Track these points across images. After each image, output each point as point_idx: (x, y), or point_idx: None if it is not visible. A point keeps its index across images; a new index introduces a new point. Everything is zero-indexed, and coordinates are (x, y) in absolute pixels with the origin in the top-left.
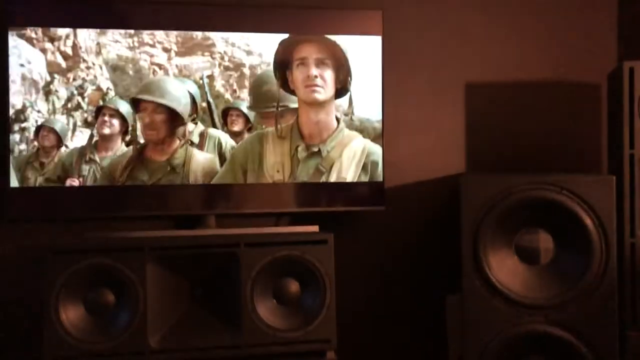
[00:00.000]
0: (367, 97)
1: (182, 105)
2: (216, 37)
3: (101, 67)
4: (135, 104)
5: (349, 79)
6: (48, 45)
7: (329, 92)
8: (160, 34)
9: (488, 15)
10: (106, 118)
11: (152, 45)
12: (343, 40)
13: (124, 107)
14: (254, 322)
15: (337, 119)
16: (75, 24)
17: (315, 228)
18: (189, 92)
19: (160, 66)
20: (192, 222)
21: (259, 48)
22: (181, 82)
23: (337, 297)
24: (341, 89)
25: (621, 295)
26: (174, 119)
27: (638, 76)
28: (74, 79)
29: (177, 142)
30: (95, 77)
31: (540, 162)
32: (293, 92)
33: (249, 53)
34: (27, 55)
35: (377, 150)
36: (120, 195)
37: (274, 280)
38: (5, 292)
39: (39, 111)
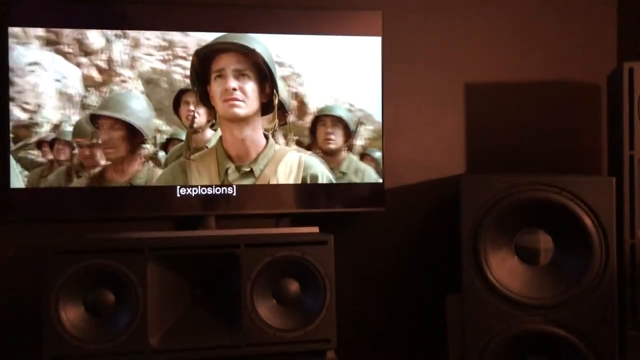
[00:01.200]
0: (366, 98)
1: (143, 121)
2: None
3: (135, 81)
4: (94, 121)
5: (275, 92)
6: (83, 59)
7: (251, 106)
8: (193, 47)
9: (488, 15)
10: (86, 152)
11: (185, 58)
12: (266, 50)
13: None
14: (254, 322)
15: (266, 136)
16: (77, 24)
17: (315, 229)
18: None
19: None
20: (193, 223)
21: (289, 59)
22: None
23: (337, 297)
24: (267, 103)
25: (621, 296)
26: (133, 136)
27: (638, 77)
28: (111, 92)
29: (138, 161)
30: (129, 90)
31: (540, 162)
32: (214, 108)
33: (280, 64)
34: (62, 71)
35: (314, 163)
36: (120, 195)
37: (274, 281)
38: (5, 292)
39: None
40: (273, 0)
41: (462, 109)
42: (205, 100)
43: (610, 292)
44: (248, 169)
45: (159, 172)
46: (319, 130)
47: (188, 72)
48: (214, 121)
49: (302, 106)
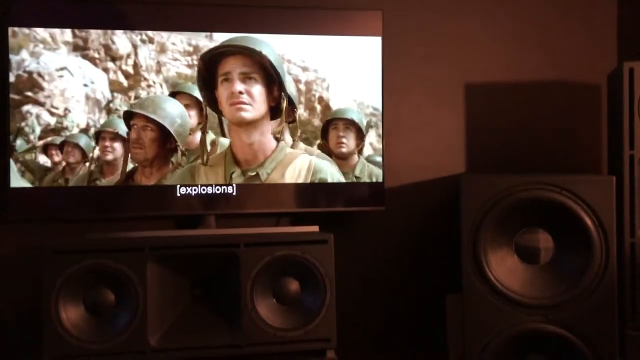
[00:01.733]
0: (366, 97)
1: (175, 126)
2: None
3: (161, 85)
4: (128, 119)
5: (282, 95)
6: (110, 64)
7: (258, 109)
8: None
9: (488, 15)
10: (107, 143)
11: None
12: (273, 53)
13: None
14: (254, 321)
15: (277, 139)
16: (77, 24)
17: (315, 228)
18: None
19: None
20: (193, 222)
21: (314, 64)
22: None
23: (337, 296)
24: (276, 107)
25: (621, 295)
26: (165, 139)
27: (638, 76)
28: (136, 97)
29: (169, 166)
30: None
31: (540, 162)
32: (222, 113)
33: (304, 69)
34: (90, 75)
35: (324, 167)
36: (120, 195)
37: (274, 280)
38: (5, 292)
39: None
40: (271, 1)
41: (462, 109)
42: (213, 105)
43: (610, 292)
44: (254, 173)
45: None
46: (330, 133)
47: None
48: (206, 122)
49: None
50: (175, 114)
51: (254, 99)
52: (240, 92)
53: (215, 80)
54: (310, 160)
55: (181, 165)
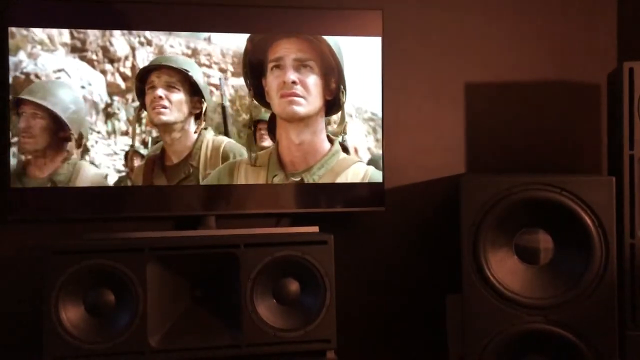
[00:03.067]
0: (366, 97)
1: (69, 112)
2: None
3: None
4: (17, 106)
5: (342, 87)
6: (108, 66)
7: (313, 103)
8: (217, 55)
9: (488, 15)
10: None
11: (209, 66)
12: (333, 39)
13: None
14: (254, 322)
15: (331, 140)
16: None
17: (315, 229)
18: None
19: (216, 87)
20: (193, 223)
21: None
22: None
23: (337, 297)
24: (333, 102)
25: (621, 296)
26: (57, 128)
27: (638, 76)
28: (133, 100)
29: (60, 156)
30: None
31: (540, 162)
32: (270, 106)
33: None
34: (87, 78)
35: (380, 178)
36: (120, 195)
37: (274, 281)
38: (5, 292)
39: (98, 132)
40: (271, 1)
41: (462, 109)
42: (259, 96)
43: (610, 292)
44: (297, 179)
45: (87, 169)
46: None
47: (212, 80)
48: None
49: None
50: (69, 100)
51: (308, 91)
52: (294, 82)
53: (264, 67)
54: (367, 170)
55: (73, 155)
